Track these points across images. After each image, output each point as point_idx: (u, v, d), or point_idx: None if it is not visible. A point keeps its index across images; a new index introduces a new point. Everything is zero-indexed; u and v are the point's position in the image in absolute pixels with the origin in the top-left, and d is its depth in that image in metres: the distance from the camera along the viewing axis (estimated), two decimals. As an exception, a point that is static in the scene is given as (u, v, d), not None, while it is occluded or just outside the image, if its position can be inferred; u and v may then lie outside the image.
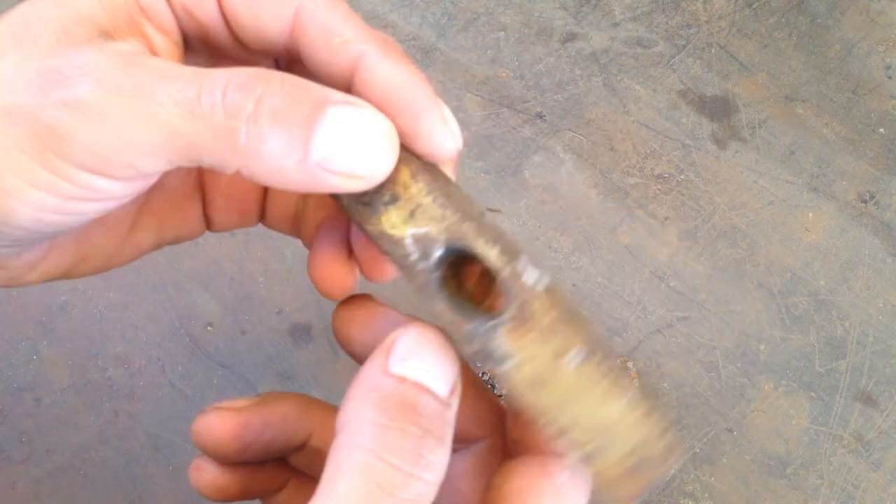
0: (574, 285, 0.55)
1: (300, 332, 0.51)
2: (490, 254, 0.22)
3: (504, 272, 0.21)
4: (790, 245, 0.58)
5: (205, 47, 0.25)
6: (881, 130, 0.63)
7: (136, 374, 0.49)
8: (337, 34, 0.22)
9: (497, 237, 0.22)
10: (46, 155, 0.20)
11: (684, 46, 0.65)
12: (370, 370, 0.22)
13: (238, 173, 0.21)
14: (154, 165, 0.21)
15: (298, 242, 0.48)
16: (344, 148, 0.20)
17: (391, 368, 0.22)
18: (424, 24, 0.64)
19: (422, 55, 0.62)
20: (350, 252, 0.26)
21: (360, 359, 0.26)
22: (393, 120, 0.22)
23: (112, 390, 0.49)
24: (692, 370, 0.53)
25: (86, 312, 0.50)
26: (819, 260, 0.57)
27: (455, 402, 0.22)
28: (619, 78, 0.63)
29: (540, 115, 0.61)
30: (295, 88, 0.20)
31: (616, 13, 0.66)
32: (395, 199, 0.22)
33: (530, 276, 0.21)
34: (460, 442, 0.26)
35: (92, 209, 0.22)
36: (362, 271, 0.26)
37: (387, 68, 0.22)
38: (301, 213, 0.29)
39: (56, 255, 0.26)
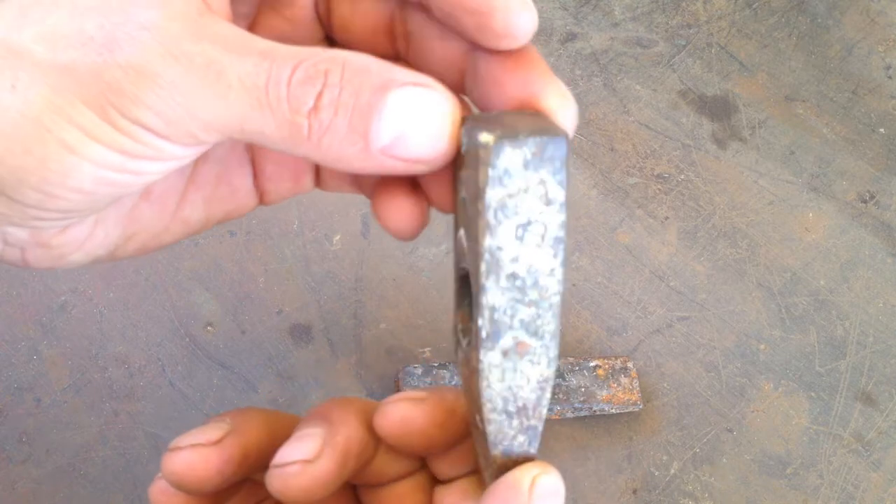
0: (574, 285, 0.55)
1: (300, 332, 0.51)
2: None
3: None
4: (790, 245, 0.58)
5: None
6: (881, 130, 0.63)
7: (136, 374, 0.49)
8: None
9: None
10: (110, 112, 0.20)
11: (684, 46, 0.65)
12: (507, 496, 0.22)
13: (304, 160, 0.20)
14: (217, 138, 0.21)
15: (298, 242, 0.48)
16: (405, 133, 0.20)
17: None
18: (424, 24, 0.64)
19: (422, 55, 0.62)
20: (417, 187, 0.25)
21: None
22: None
23: (112, 390, 0.49)
24: (692, 370, 0.53)
25: (86, 312, 0.50)
26: (819, 260, 0.57)
27: None
28: (619, 78, 0.63)
29: (540, 115, 0.61)
30: (355, 76, 0.20)
31: (616, 13, 0.66)
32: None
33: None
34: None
35: (154, 169, 0.21)
36: (433, 203, 0.25)
37: None
38: None
39: (102, 233, 0.25)
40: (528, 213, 0.20)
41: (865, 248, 0.58)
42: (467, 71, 0.24)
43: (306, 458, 0.24)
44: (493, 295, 0.21)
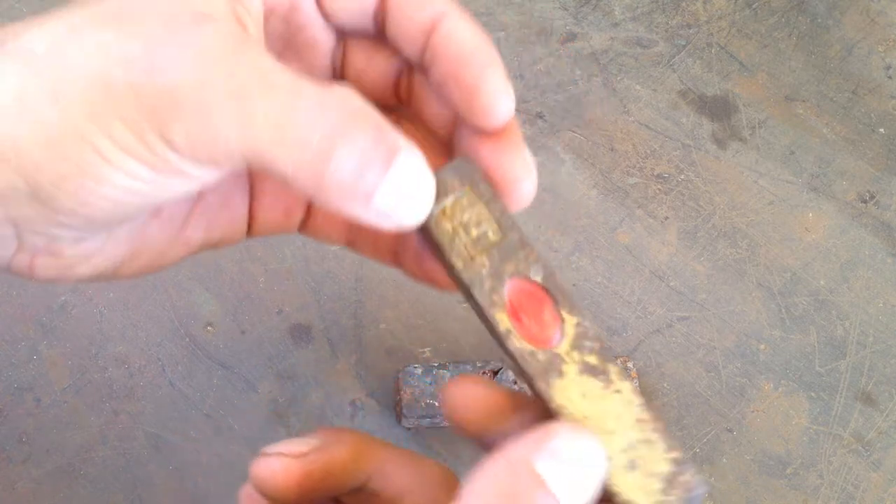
0: (574, 285, 0.55)
1: (300, 332, 0.51)
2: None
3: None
4: (790, 245, 0.58)
5: (283, 22, 0.26)
6: (881, 130, 0.63)
7: (136, 374, 0.49)
8: None
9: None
10: (144, 130, 0.21)
11: (684, 46, 0.65)
12: (517, 454, 0.22)
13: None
14: (235, 166, 0.22)
15: (298, 242, 0.48)
16: (402, 200, 0.22)
17: (536, 464, 0.21)
18: (424, 24, 0.64)
19: (422, 55, 0.62)
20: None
21: (468, 433, 0.26)
22: (461, 76, 0.24)
23: (112, 390, 0.49)
24: (692, 370, 0.53)
25: (86, 312, 0.50)
26: (819, 260, 0.57)
27: None
28: (619, 78, 0.63)
29: (540, 115, 0.61)
30: (374, 132, 0.22)
31: (616, 13, 0.66)
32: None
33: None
34: None
35: (178, 187, 0.23)
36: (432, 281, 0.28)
37: (465, 31, 0.24)
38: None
39: (111, 247, 0.26)
40: None
41: (865, 248, 0.58)
42: (455, 129, 0.27)
43: (291, 453, 0.26)
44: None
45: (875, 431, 0.52)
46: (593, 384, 0.23)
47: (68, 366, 0.49)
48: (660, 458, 0.23)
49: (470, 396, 0.26)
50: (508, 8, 0.65)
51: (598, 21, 0.66)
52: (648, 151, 0.60)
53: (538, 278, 0.24)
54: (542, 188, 0.58)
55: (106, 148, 0.21)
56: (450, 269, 0.25)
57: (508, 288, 0.24)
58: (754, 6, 0.68)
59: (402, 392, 0.48)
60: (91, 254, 0.25)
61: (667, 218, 0.58)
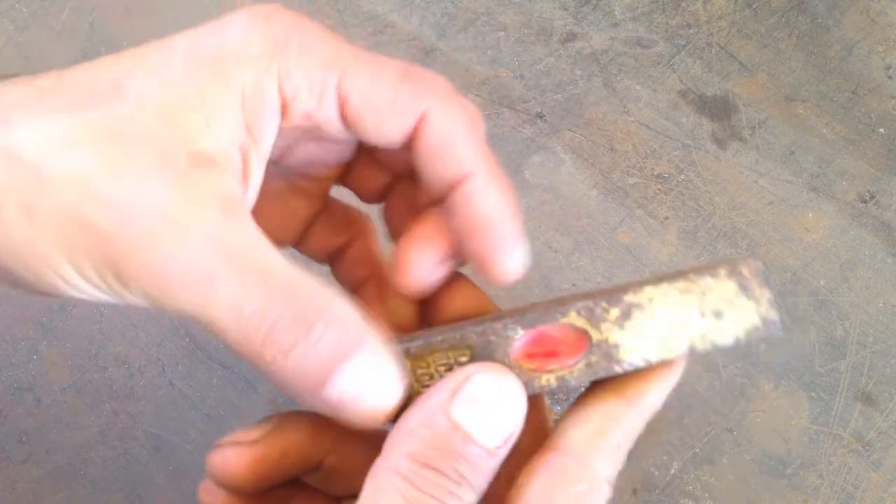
0: (574, 285, 0.55)
1: (300, 332, 0.51)
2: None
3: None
4: (790, 245, 0.58)
5: (304, 118, 0.25)
6: (881, 130, 0.63)
7: (136, 374, 0.49)
8: (453, 148, 0.24)
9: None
10: (107, 275, 0.22)
11: (684, 46, 0.65)
12: (432, 402, 0.22)
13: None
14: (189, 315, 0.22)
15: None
16: (352, 398, 0.22)
17: (451, 411, 0.22)
18: (424, 25, 0.64)
19: (422, 55, 0.62)
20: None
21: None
22: (477, 241, 0.24)
23: (112, 390, 0.49)
24: (692, 370, 0.53)
25: (86, 312, 0.50)
26: (819, 260, 0.57)
27: (504, 452, 0.22)
28: (619, 78, 0.63)
29: (540, 115, 0.61)
30: (324, 334, 0.22)
31: (616, 13, 0.66)
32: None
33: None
34: None
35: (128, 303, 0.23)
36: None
37: (490, 197, 0.24)
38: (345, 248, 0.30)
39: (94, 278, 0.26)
40: None
41: (865, 248, 0.58)
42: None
43: (245, 440, 0.26)
44: None
45: (875, 431, 0.52)
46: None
47: (68, 366, 0.49)
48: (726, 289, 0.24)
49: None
50: (508, 8, 0.65)
51: (598, 21, 0.66)
52: (648, 151, 0.60)
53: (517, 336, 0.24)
54: (542, 188, 0.58)
55: (69, 276, 0.22)
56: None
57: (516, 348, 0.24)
58: (754, 6, 0.68)
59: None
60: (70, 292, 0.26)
61: (667, 218, 0.58)
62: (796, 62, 0.65)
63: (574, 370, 0.23)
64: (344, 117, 0.24)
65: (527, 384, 0.23)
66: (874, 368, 0.54)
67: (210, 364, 0.50)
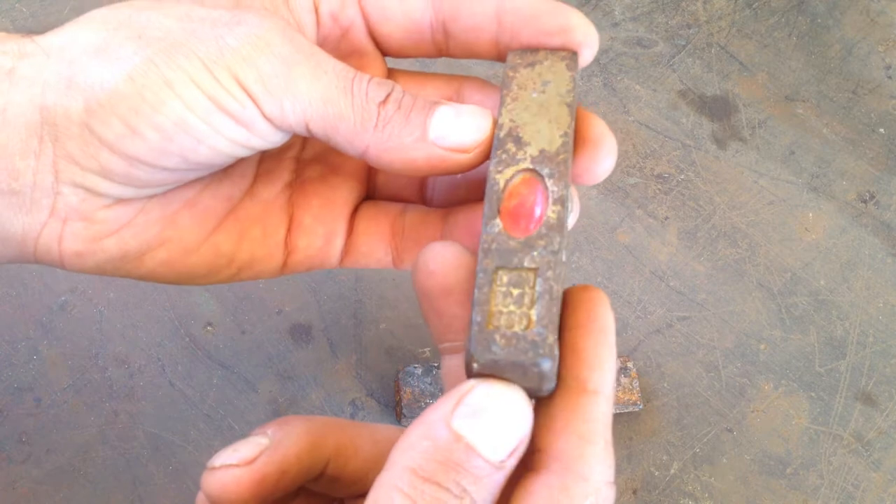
0: (574, 285, 0.55)
1: (300, 332, 0.51)
2: None
3: None
4: (790, 245, 0.58)
5: (334, 50, 0.29)
6: (881, 130, 0.63)
7: (136, 374, 0.49)
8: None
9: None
10: (218, 66, 0.23)
11: (684, 46, 0.65)
12: (434, 415, 0.21)
13: (364, 154, 0.25)
14: (298, 122, 0.25)
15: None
16: (453, 129, 0.25)
17: (453, 423, 0.21)
18: (424, 24, 0.64)
19: (422, 55, 0.62)
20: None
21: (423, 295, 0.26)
22: (542, 24, 0.26)
23: (112, 390, 0.49)
24: (692, 370, 0.53)
25: (86, 312, 0.50)
26: (819, 260, 0.57)
27: (510, 464, 0.21)
28: (619, 78, 0.63)
29: (540, 115, 0.61)
30: (413, 94, 0.26)
31: (616, 13, 0.66)
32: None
33: None
34: None
35: (231, 136, 0.24)
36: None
37: None
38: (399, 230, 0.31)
39: (142, 223, 0.26)
40: None
41: (865, 248, 0.58)
42: None
43: (239, 462, 0.24)
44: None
45: (875, 431, 0.52)
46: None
47: (68, 366, 0.49)
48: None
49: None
50: (508, 8, 0.65)
51: (598, 21, 0.66)
52: (648, 151, 0.60)
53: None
54: (542, 188, 0.58)
55: (174, 76, 0.23)
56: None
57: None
58: (754, 6, 0.68)
59: (402, 392, 0.48)
60: (121, 223, 0.25)
61: (667, 218, 0.58)
62: (796, 62, 0.65)
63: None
64: (365, 19, 0.28)
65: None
66: (874, 368, 0.54)
67: (210, 364, 0.50)
